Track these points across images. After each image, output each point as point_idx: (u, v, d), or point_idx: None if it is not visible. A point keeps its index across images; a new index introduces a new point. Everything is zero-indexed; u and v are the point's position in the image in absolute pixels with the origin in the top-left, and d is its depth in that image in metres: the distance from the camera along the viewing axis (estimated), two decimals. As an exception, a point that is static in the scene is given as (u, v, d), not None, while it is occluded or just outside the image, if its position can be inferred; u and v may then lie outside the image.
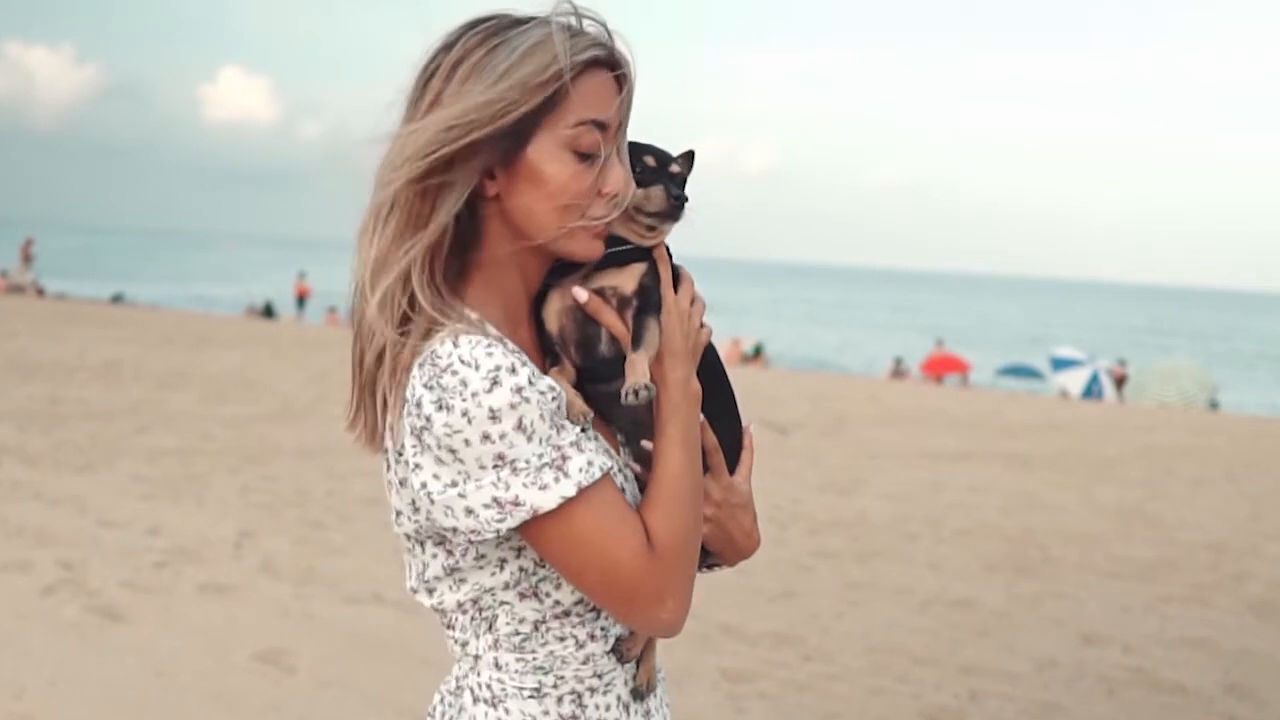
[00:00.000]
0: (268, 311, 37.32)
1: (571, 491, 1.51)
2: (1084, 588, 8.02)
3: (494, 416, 1.47)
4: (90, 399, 14.02)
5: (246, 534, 8.19)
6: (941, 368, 31.61)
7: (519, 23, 1.58)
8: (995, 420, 18.27)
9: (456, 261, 1.64)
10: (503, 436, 1.48)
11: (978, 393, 25.88)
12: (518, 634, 1.63)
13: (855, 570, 8.21)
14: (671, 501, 1.60)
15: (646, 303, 1.66)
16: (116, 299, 39.13)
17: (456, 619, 1.66)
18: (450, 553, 1.61)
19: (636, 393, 1.59)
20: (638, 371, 1.61)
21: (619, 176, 1.61)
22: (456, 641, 1.68)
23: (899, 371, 32.61)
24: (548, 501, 1.50)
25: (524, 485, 1.49)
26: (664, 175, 1.69)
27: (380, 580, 7.19)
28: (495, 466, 1.49)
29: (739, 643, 6.44)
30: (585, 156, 1.58)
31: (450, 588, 1.63)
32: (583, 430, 1.58)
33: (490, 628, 1.63)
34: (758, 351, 31.62)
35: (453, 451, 1.48)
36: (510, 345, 1.54)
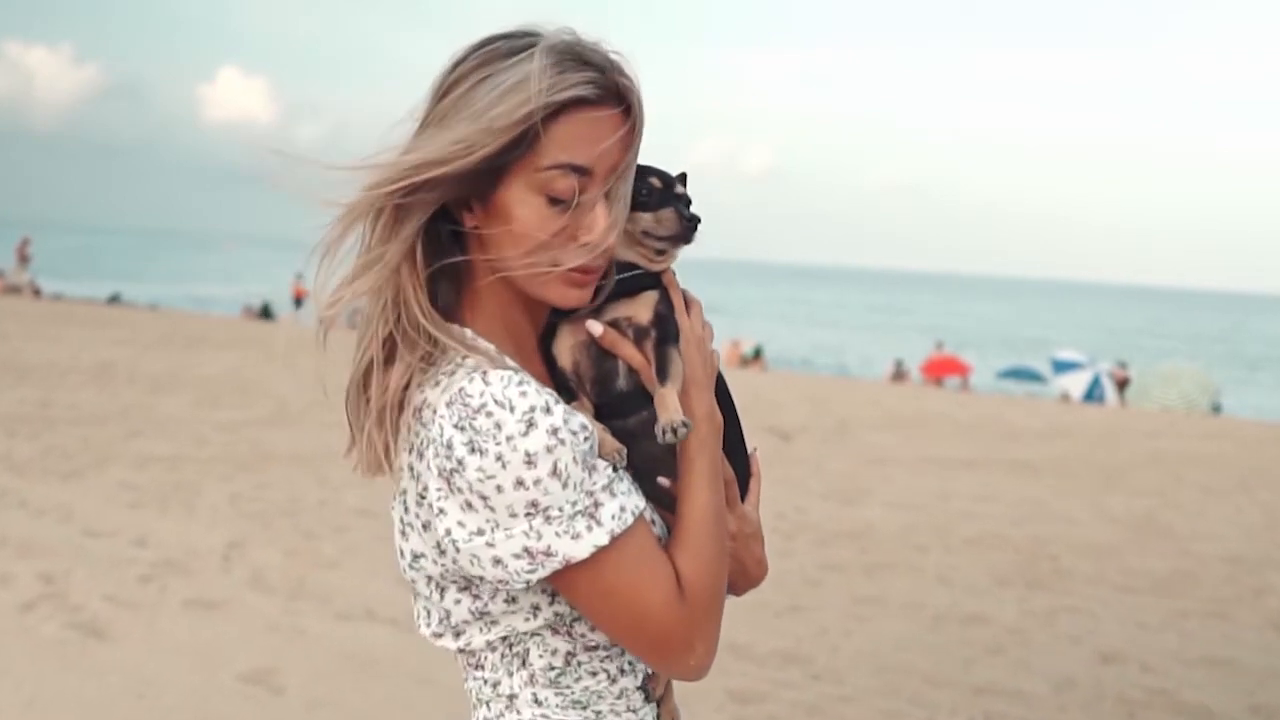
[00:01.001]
0: (265, 312, 37.15)
1: (605, 540, 1.45)
2: (1099, 602, 7.79)
3: (529, 461, 1.41)
4: (81, 403, 13.78)
5: (236, 545, 7.96)
6: (941, 370, 31.46)
7: (515, 52, 1.50)
8: (999, 425, 18.04)
9: (453, 293, 1.60)
10: (537, 482, 1.41)
11: (980, 397, 25.65)
12: (552, 668, 1.57)
13: (864, 583, 7.97)
14: (700, 542, 1.54)
15: (665, 333, 1.59)
16: (114, 299, 38.97)
17: (486, 658, 1.59)
18: (477, 597, 1.55)
19: (675, 430, 1.52)
20: (670, 407, 1.54)
21: (600, 223, 1.53)
22: (486, 682, 1.60)
23: (900, 374, 32.43)
24: (580, 551, 1.45)
25: (556, 534, 1.44)
26: (671, 196, 1.61)
27: (373, 595, 6.96)
28: (527, 514, 1.43)
29: (746, 662, 6.21)
30: (559, 201, 1.50)
31: (481, 630, 1.57)
32: (614, 469, 1.51)
33: (523, 664, 1.58)
34: (757, 354, 31.36)
35: (484, 498, 1.42)
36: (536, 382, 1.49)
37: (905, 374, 32.65)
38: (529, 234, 1.50)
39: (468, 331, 1.55)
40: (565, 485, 1.43)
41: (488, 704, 1.60)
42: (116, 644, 6.05)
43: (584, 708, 1.58)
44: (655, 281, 1.62)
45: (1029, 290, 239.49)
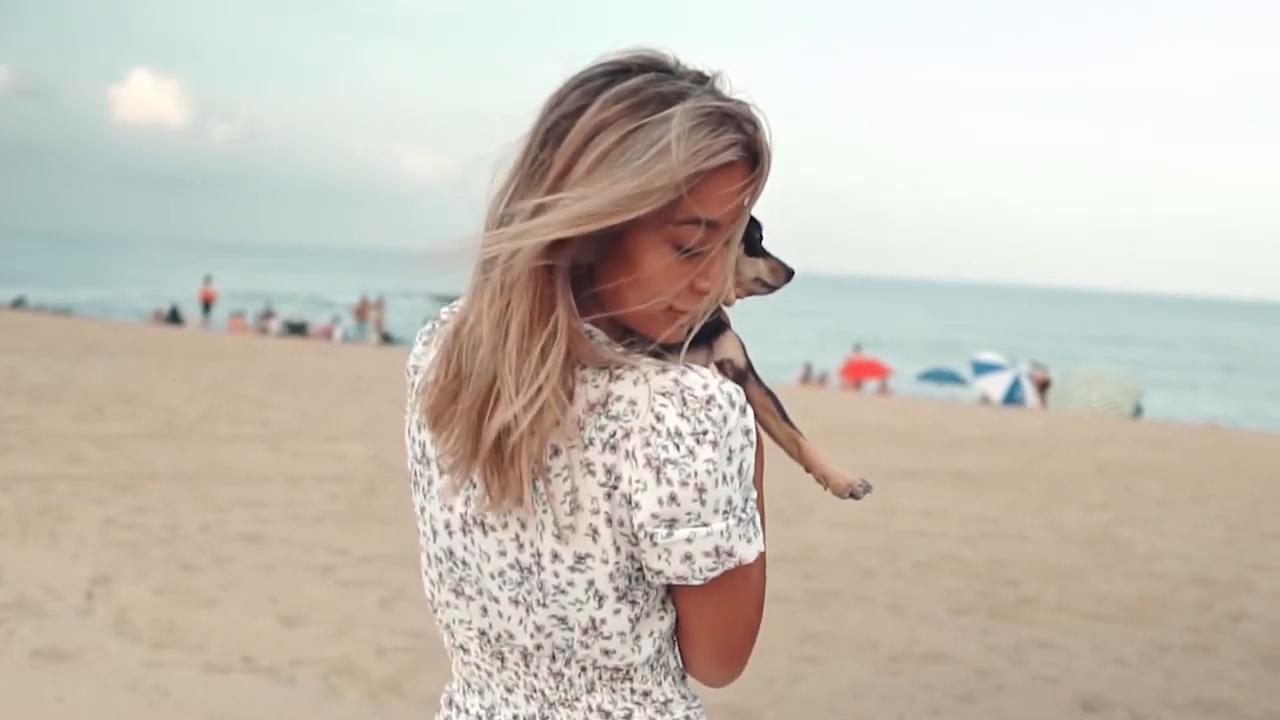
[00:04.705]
0: (174, 317, 36.22)
1: (762, 547, 1.47)
2: (1069, 634, 7.03)
3: (732, 457, 1.40)
4: (-51, 416, 12.64)
5: (101, 580, 6.98)
6: (861, 372, 31.12)
7: (665, 102, 1.41)
8: (936, 434, 17.40)
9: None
10: (741, 479, 1.42)
11: (914, 402, 25.10)
12: (678, 666, 1.57)
13: (810, 618, 7.15)
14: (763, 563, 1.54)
15: (757, 373, 1.64)
16: (18, 304, 37.85)
17: (636, 671, 1.52)
18: (634, 602, 1.48)
19: (867, 491, 1.63)
20: (832, 466, 1.63)
21: (719, 275, 1.49)
22: (634, 692, 1.53)
23: (809, 378, 31.96)
24: (750, 555, 1.45)
25: (738, 536, 1.43)
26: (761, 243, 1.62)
27: (252, 638, 6.04)
28: (725, 512, 1.41)
29: None
30: (685, 249, 1.45)
31: (633, 649, 1.50)
32: None
33: (666, 669, 1.55)
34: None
35: (701, 490, 1.38)
36: None
37: (823, 378, 32.18)
38: (650, 280, 1.46)
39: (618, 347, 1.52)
40: (745, 487, 1.43)
41: (629, 716, 1.54)
42: (-60, 708, 5.09)
43: (696, 697, 1.60)
44: (723, 318, 1.63)
45: (943, 292, 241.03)
